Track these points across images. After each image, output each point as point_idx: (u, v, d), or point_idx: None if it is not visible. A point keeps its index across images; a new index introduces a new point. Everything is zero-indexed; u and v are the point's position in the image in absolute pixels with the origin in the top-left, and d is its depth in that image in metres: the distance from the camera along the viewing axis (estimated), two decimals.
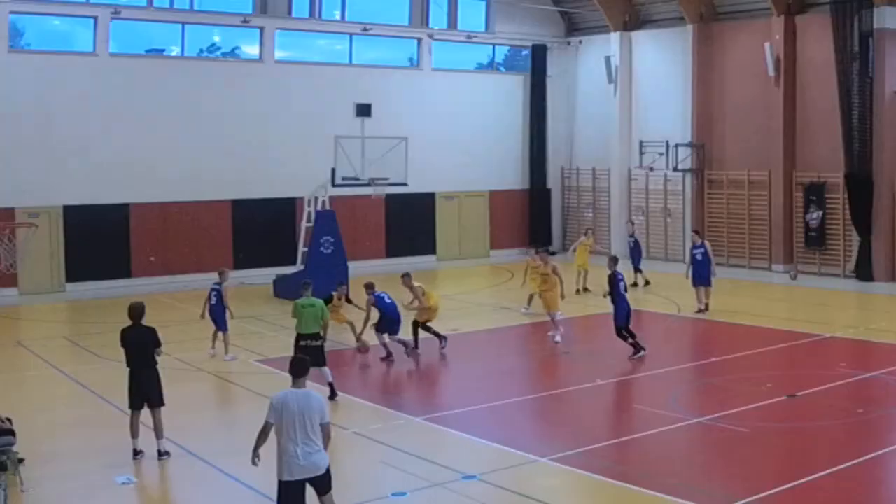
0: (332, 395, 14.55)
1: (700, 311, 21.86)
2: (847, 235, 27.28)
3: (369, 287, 17.64)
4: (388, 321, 17.53)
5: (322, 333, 14.89)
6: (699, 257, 22.03)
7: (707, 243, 22.71)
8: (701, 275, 21.98)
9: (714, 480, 11.21)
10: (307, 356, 13.98)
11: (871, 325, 20.59)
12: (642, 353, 17.36)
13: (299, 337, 14.88)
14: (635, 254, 26.70)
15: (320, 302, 15.17)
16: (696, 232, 23.59)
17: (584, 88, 34.71)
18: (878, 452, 11.85)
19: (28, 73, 25.67)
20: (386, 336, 17.52)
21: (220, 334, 17.79)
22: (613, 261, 18.10)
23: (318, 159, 26.07)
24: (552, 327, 19.23)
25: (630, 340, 17.44)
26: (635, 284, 25.26)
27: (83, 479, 11.38)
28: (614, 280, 17.58)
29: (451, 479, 11.03)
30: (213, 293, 17.81)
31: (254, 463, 8.96)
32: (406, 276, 18.41)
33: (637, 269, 26.32)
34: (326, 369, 14.74)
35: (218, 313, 17.71)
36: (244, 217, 28.68)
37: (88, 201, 26.37)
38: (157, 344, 12.15)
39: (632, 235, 27.20)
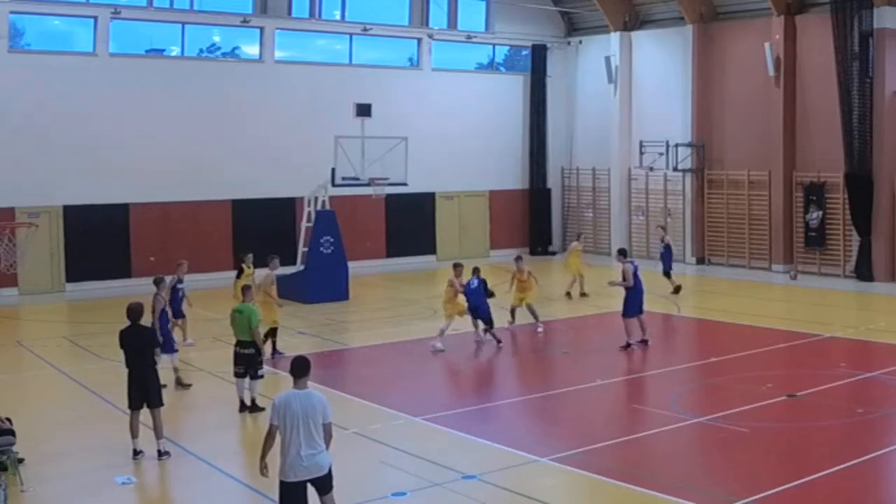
0: (243, 408, 13.93)
1: (627, 345, 18.03)
2: (847, 235, 27.27)
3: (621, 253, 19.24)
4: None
5: (256, 341, 14.09)
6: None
7: (629, 266, 18.47)
8: (636, 302, 18.34)
9: (714, 480, 11.21)
10: (241, 363, 14.00)
11: (871, 325, 20.57)
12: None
13: (236, 343, 14.40)
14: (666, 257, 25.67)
15: (249, 308, 14.29)
16: (621, 252, 19.65)
17: (584, 88, 34.71)
18: (878, 452, 11.84)
19: (28, 73, 25.66)
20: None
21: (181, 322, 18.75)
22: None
23: (318, 159, 26.03)
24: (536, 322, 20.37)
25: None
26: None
27: (83, 479, 11.37)
28: None
29: (451, 479, 11.02)
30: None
31: (263, 473, 8.88)
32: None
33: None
34: (255, 383, 13.95)
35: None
36: (244, 217, 28.66)
37: (88, 201, 26.35)
38: (156, 344, 12.16)
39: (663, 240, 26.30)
